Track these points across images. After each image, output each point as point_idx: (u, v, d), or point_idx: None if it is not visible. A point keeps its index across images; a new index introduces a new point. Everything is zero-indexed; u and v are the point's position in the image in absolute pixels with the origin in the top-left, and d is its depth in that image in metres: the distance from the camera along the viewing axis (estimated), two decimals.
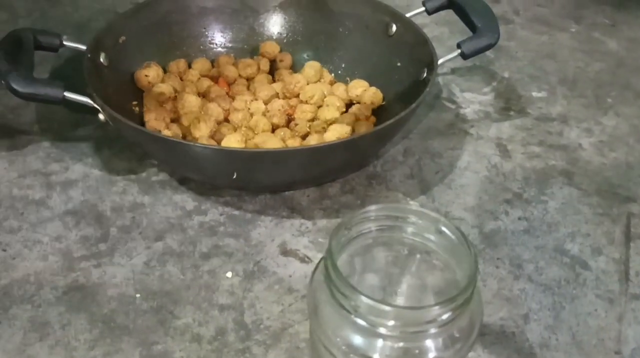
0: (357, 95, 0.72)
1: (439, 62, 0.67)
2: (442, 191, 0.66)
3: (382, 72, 0.73)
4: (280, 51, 0.78)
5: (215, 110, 0.69)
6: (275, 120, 0.69)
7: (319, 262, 0.39)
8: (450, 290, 0.38)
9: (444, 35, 0.88)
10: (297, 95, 0.73)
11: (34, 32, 0.66)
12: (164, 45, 0.75)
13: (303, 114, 0.70)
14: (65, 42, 0.68)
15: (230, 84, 0.75)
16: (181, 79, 0.74)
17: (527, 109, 0.77)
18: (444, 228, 0.38)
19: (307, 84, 0.73)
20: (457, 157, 0.70)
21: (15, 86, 0.58)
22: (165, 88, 0.70)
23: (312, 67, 0.75)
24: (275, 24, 0.79)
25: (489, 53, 0.86)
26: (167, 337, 0.51)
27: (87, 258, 0.58)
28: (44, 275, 0.56)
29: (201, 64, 0.75)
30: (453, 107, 0.77)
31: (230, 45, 0.79)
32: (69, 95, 0.60)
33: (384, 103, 0.72)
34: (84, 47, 0.67)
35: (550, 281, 0.57)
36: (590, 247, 0.60)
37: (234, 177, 0.58)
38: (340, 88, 0.73)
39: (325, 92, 0.73)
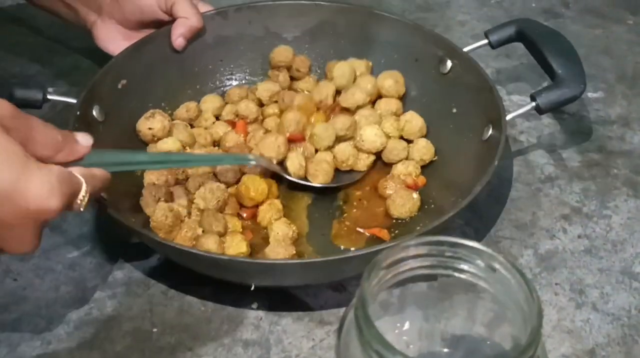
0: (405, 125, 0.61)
1: (508, 117, 0.55)
2: (491, 206, 0.59)
3: (433, 118, 0.61)
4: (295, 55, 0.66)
5: (231, 170, 0.57)
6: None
7: (349, 307, 0.33)
8: (505, 339, 0.32)
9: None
10: (334, 109, 0.63)
11: (10, 86, 0.57)
12: (172, 84, 0.64)
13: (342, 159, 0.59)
14: (50, 97, 0.57)
15: (249, 123, 0.63)
16: (192, 126, 0.62)
17: (582, 111, 0.70)
18: (498, 267, 0.32)
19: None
20: (505, 167, 0.63)
21: None
22: (172, 144, 0.58)
23: (341, 68, 0.63)
24: (304, 53, 0.67)
25: None
26: None
27: (101, 287, 0.53)
28: (55, 308, 0.52)
29: (211, 103, 0.64)
30: None
31: (252, 79, 0.68)
32: (54, 97, 0.53)
33: (436, 158, 0.60)
34: (73, 101, 0.56)
35: (619, 310, 0.50)
36: None
37: (252, 288, 0.49)
38: (388, 122, 0.61)
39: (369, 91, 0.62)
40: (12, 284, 0.54)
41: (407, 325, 0.37)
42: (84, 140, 0.43)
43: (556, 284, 0.52)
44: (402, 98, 0.64)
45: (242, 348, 0.48)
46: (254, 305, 0.51)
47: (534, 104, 0.56)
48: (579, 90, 0.56)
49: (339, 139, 0.59)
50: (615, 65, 0.76)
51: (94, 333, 0.50)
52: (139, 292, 0.53)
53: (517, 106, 0.71)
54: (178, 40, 0.63)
